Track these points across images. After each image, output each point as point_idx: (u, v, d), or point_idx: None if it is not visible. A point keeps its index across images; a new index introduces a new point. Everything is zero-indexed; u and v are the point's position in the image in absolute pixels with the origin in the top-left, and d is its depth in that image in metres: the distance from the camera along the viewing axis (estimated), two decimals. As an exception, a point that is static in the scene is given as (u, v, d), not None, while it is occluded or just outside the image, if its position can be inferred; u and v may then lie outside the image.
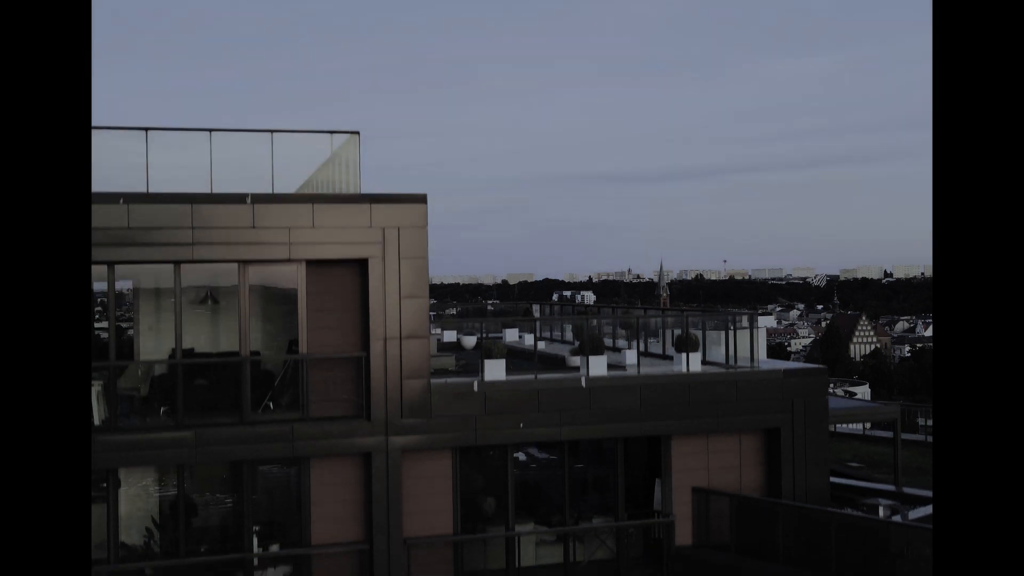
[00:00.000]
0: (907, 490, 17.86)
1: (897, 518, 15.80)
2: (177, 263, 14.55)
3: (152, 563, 14.69)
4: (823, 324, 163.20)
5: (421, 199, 15.10)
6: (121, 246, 13.97)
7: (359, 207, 14.84)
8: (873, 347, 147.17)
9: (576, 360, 17.74)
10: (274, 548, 15.37)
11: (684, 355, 17.17)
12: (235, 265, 14.77)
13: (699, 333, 17.51)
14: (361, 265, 15.06)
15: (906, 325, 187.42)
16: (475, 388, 15.40)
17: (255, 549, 15.00)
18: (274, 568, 15.35)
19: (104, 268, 14.22)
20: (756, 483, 16.94)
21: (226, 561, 15.05)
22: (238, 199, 14.37)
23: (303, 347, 14.98)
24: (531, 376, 15.85)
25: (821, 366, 16.76)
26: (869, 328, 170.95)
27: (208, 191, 14.81)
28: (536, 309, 16.93)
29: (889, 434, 24.54)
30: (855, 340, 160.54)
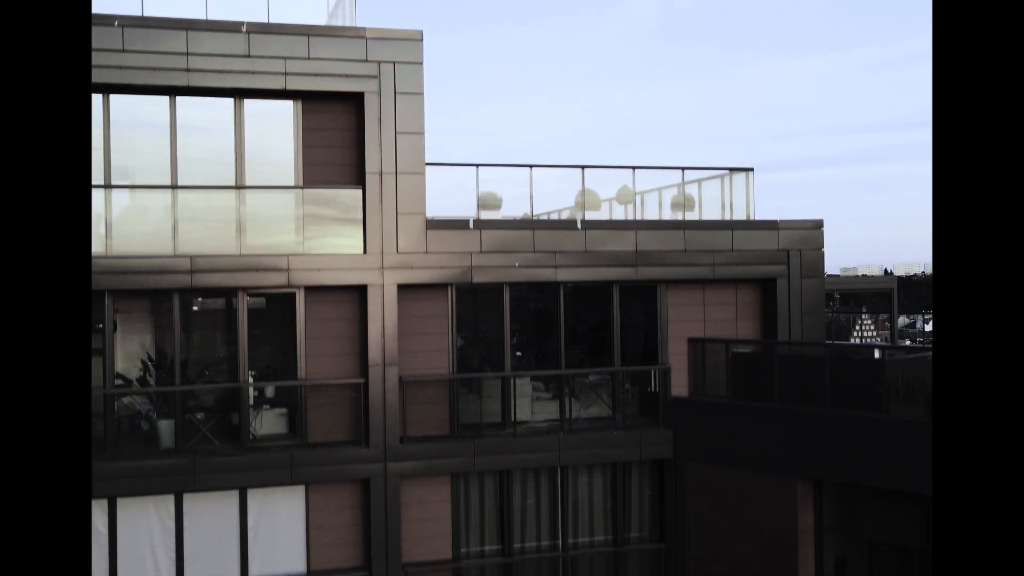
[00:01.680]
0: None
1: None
2: (172, 94, 14.59)
3: (147, 389, 14.69)
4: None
5: (417, 35, 15.11)
6: (117, 69, 13.97)
7: (355, 41, 14.84)
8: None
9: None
10: (269, 390, 15.42)
11: (681, 215, 17.20)
12: (231, 100, 14.83)
13: (695, 193, 17.52)
14: (356, 101, 15.06)
15: (906, 320, 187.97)
16: (471, 226, 15.40)
17: (251, 390, 15.00)
18: (269, 407, 15.35)
19: (99, 97, 14.27)
20: (752, 335, 16.93)
21: (222, 400, 15.06)
22: (233, 27, 14.39)
23: (298, 181, 15.00)
24: (528, 218, 15.88)
25: (818, 219, 16.73)
26: (869, 323, 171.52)
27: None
28: (531, 170, 16.84)
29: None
30: (855, 335, 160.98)
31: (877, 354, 15.67)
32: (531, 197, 16.33)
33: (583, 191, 16.78)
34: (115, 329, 14.83)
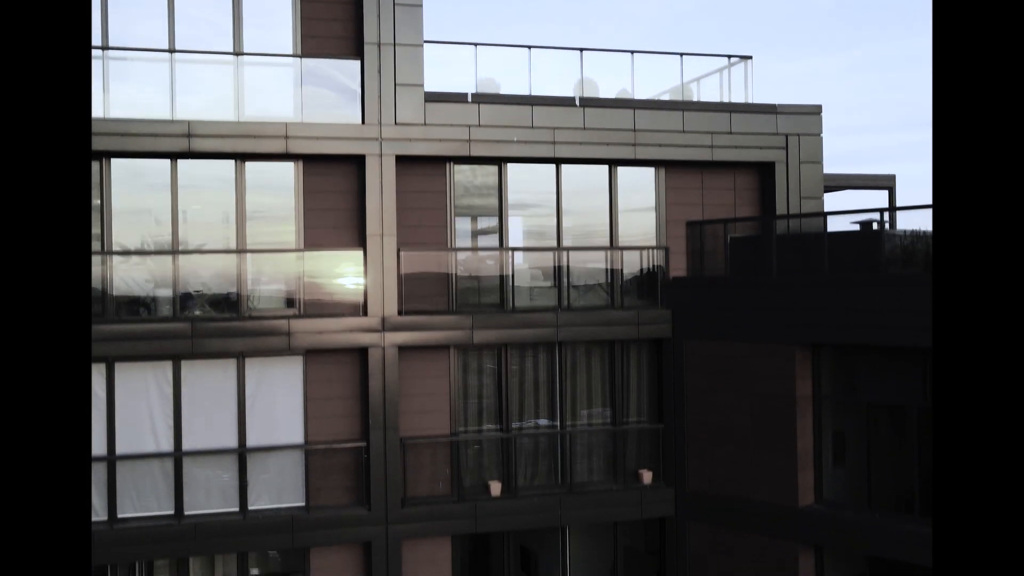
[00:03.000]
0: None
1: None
2: (171, -38, 14.60)
3: (145, 251, 14.65)
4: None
5: (415, -88, 15.10)
6: (115, -70, 13.98)
7: (353, -88, 14.84)
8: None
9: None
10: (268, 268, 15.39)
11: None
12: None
13: (695, 87, 17.52)
14: (355, -27, 15.07)
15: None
16: (469, 100, 15.39)
17: (249, 263, 14.97)
18: (268, 287, 15.31)
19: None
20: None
21: (220, 275, 15.02)
22: None
23: (296, 51, 14.98)
24: (525, 93, 15.88)
25: (816, 104, 16.70)
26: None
27: None
28: (529, 51, 16.89)
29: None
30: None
31: (875, 227, 15.66)
32: (529, 81, 16.30)
33: (582, 80, 16.77)
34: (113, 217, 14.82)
